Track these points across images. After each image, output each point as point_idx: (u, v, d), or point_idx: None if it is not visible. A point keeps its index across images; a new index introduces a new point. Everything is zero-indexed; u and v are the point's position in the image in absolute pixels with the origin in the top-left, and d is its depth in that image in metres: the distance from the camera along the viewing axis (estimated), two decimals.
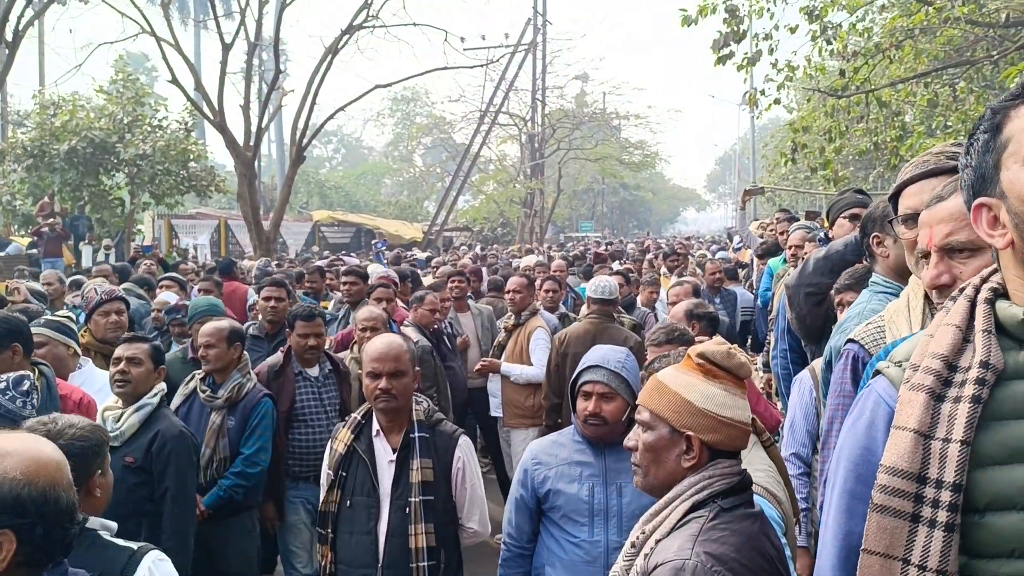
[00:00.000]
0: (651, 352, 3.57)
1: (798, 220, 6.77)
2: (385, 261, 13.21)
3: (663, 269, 10.80)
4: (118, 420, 3.72)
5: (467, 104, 38.89)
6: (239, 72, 19.57)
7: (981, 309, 1.30)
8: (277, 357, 4.97)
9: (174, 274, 8.63)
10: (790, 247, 5.53)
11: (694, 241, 33.17)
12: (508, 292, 6.59)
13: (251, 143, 17.96)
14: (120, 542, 2.37)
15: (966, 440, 1.19)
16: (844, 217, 3.99)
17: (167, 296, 7.03)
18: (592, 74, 42.63)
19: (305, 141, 18.33)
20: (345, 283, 6.98)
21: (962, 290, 1.37)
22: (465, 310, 7.34)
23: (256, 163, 34.17)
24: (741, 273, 10.17)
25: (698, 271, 12.94)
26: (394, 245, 30.50)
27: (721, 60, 14.65)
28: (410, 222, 39.89)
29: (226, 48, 17.57)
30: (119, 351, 3.88)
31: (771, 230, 8.70)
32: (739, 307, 8.12)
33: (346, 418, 3.57)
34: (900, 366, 1.34)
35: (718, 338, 2.16)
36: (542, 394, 6.11)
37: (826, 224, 4.64)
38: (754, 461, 2.50)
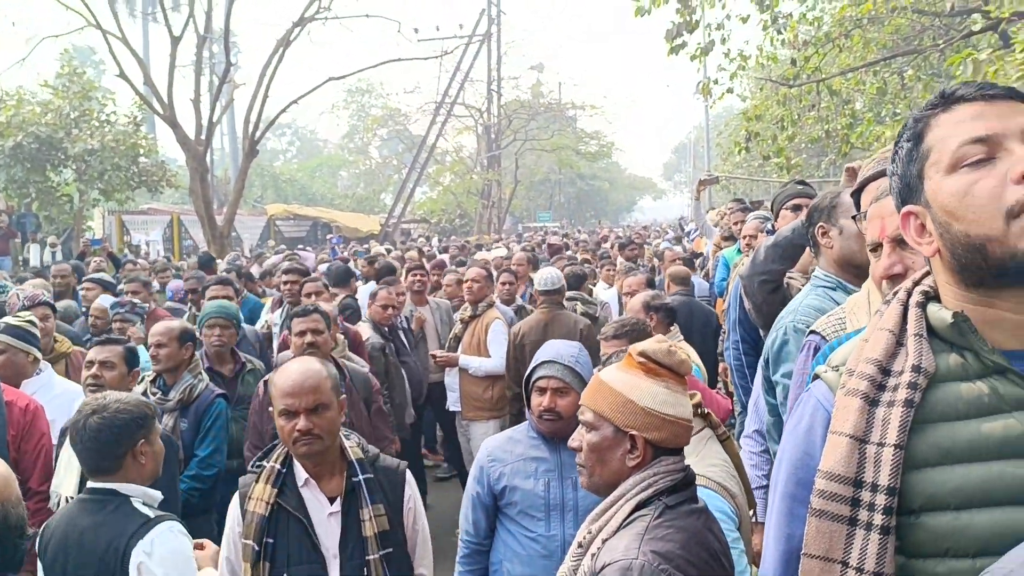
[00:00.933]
0: (603, 346, 3.58)
1: (751, 210, 6.83)
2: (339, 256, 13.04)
3: (619, 259, 10.83)
4: None
5: (422, 95, 38.79)
6: (189, 65, 19.26)
7: (913, 313, 1.31)
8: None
9: (97, 275, 8.13)
10: (744, 237, 5.57)
11: (651, 230, 33.37)
12: (466, 283, 6.57)
13: (202, 137, 17.68)
14: (143, 510, 2.64)
15: (899, 444, 1.21)
16: (787, 208, 4.05)
17: (104, 301, 6.72)
18: (548, 64, 42.67)
19: (258, 135, 18.10)
20: (286, 282, 6.64)
21: (895, 293, 1.38)
22: (424, 304, 7.32)
23: (209, 157, 33.78)
24: (696, 262, 10.23)
25: (656, 261, 13.04)
26: (351, 238, 30.29)
27: (674, 50, 14.73)
28: (367, 215, 39.61)
29: (175, 41, 17.27)
30: (91, 354, 3.79)
31: (725, 219, 8.78)
32: (696, 296, 8.17)
33: (254, 465, 2.83)
34: (837, 371, 1.36)
35: (659, 336, 2.17)
36: (501, 385, 6.20)
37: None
38: (709, 455, 2.54)
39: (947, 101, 1.27)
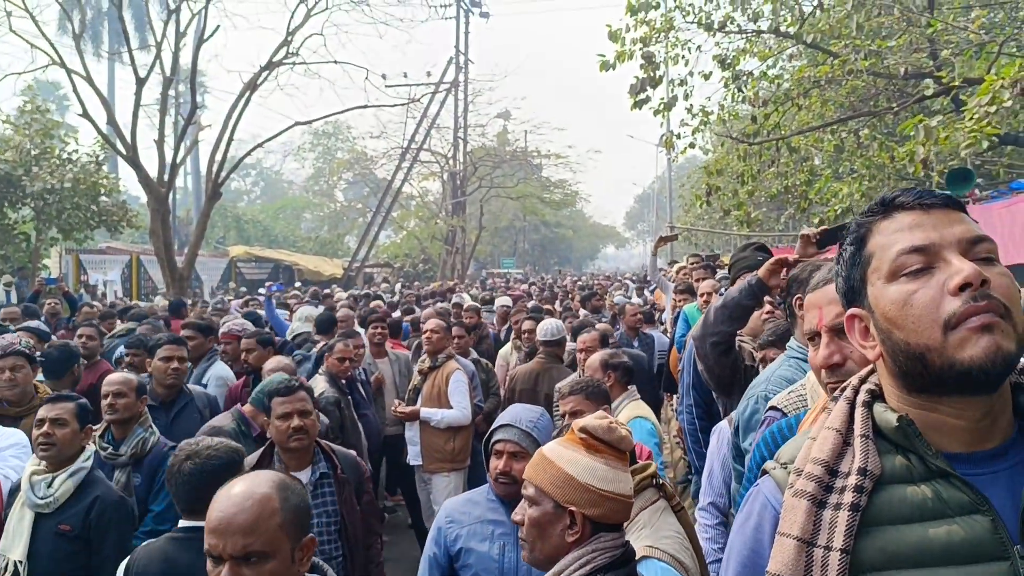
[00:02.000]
0: (561, 404, 3.60)
1: (712, 267, 6.92)
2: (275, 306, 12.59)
3: (582, 312, 10.88)
4: (50, 485, 3.49)
5: (389, 140, 38.95)
6: (154, 105, 19.15)
7: (860, 413, 1.32)
8: (254, 457, 3.79)
9: (31, 324, 7.68)
10: (702, 295, 5.65)
11: (614, 279, 33.58)
12: (425, 333, 6.55)
13: (165, 178, 17.54)
14: None
15: (845, 549, 1.21)
16: (744, 278, 4.07)
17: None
18: (514, 113, 43.10)
19: (221, 178, 18.00)
20: (188, 336, 6.15)
21: (843, 390, 1.39)
22: (383, 356, 7.28)
23: (172, 196, 33.49)
24: (656, 316, 10.32)
25: (616, 308, 13.11)
26: (313, 282, 30.07)
27: (638, 105, 14.98)
28: (330, 258, 39.45)
29: (140, 82, 17.19)
30: (42, 412, 3.68)
31: (684, 273, 8.89)
32: (656, 351, 8.24)
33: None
34: (786, 468, 1.36)
35: (600, 412, 2.19)
36: (463, 436, 6.23)
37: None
38: (663, 527, 2.52)
39: (887, 207, 1.30)
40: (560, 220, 61.79)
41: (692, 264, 7.98)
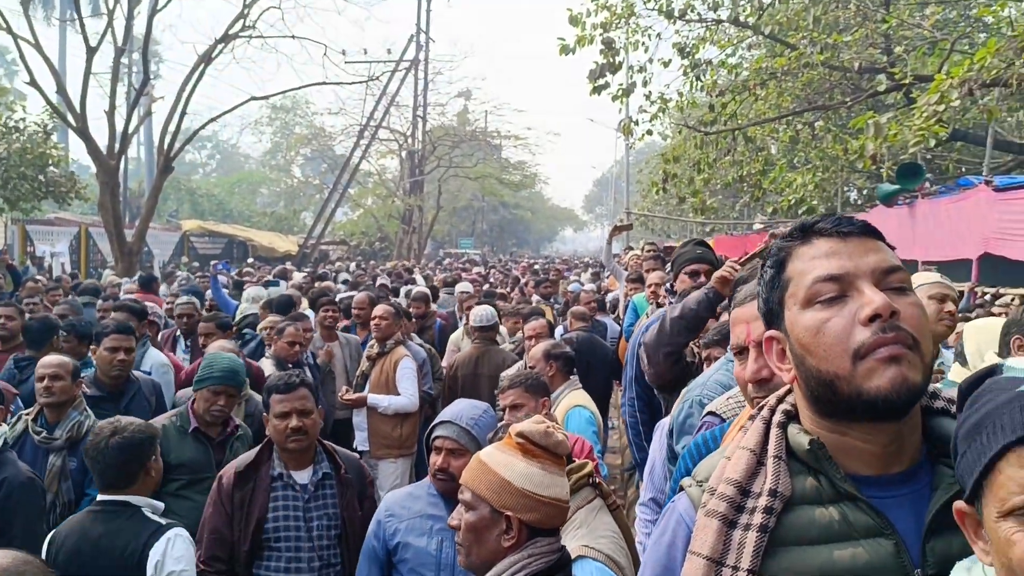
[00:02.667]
0: (500, 398, 3.61)
1: (664, 259, 6.97)
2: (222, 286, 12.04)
3: (535, 297, 10.91)
4: None
5: (348, 117, 38.53)
6: (105, 73, 18.70)
7: (774, 433, 1.33)
8: (250, 455, 3.57)
9: None
10: (650, 286, 5.68)
11: (572, 262, 33.69)
12: (373, 320, 6.51)
13: (115, 151, 17.18)
14: (155, 518, 3.07)
15: (752, 569, 1.23)
16: (685, 273, 4.09)
17: None
18: (474, 93, 42.83)
19: (174, 152, 17.68)
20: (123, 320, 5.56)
21: (760, 410, 1.41)
22: (334, 339, 7.22)
23: (124, 168, 32.77)
24: (608, 303, 10.39)
25: (570, 295, 13.15)
26: (267, 259, 29.73)
27: (597, 90, 15.00)
28: (285, 235, 38.99)
29: (91, 51, 16.77)
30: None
31: (636, 262, 8.94)
32: (608, 338, 8.29)
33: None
34: (701, 485, 1.37)
35: (538, 416, 2.19)
36: (411, 423, 6.25)
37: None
38: (599, 527, 2.54)
39: (806, 233, 1.31)
40: (519, 201, 61.80)
41: (647, 252, 8.02)
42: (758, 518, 1.25)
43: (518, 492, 2.01)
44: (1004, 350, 2.67)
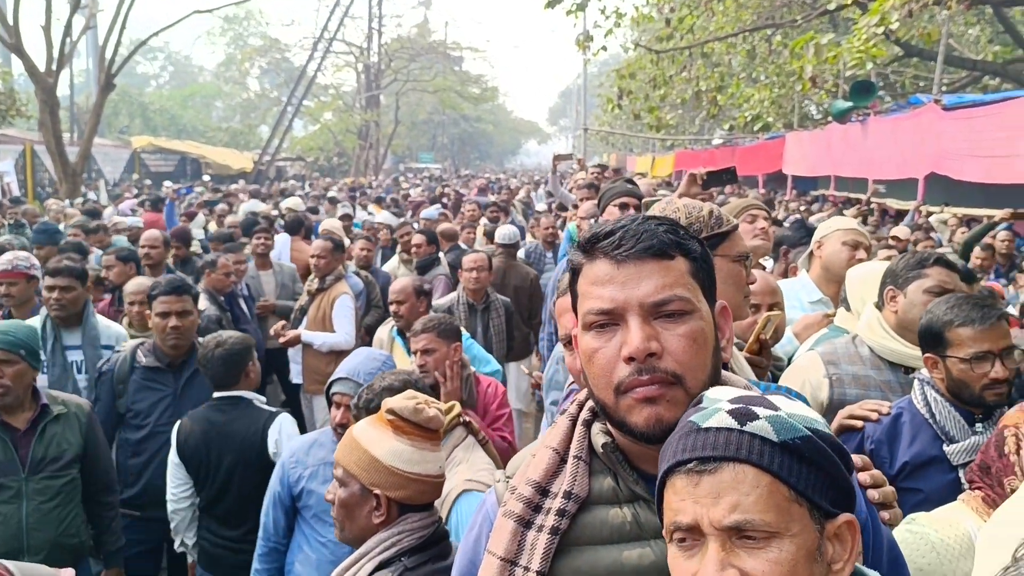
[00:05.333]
0: (412, 342, 3.60)
1: (594, 185, 6.93)
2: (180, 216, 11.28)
3: (484, 220, 10.79)
4: None
5: (301, 29, 37.48)
6: None
7: (578, 432, 1.33)
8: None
9: None
10: (581, 217, 5.66)
11: (534, 176, 33.40)
12: (312, 256, 6.42)
13: (53, 68, 16.55)
14: (264, 407, 3.73)
15: (541, 571, 1.23)
16: (614, 205, 4.11)
17: None
18: (433, 2, 41.80)
19: (115, 67, 17.08)
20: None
21: (567, 409, 1.39)
22: (267, 268, 7.15)
23: (71, 82, 31.66)
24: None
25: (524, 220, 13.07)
26: (221, 176, 29.17)
27: (551, 4, 14.70)
28: (240, 151, 38.19)
29: None
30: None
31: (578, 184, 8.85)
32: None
33: None
34: (508, 482, 1.37)
35: (410, 392, 2.18)
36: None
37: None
38: (476, 461, 2.71)
39: (590, 249, 1.27)
40: (480, 115, 60.90)
41: (585, 179, 7.94)
42: (551, 520, 1.26)
43: (386, 470, 2.01)
44: (880, 300, 2.71)
